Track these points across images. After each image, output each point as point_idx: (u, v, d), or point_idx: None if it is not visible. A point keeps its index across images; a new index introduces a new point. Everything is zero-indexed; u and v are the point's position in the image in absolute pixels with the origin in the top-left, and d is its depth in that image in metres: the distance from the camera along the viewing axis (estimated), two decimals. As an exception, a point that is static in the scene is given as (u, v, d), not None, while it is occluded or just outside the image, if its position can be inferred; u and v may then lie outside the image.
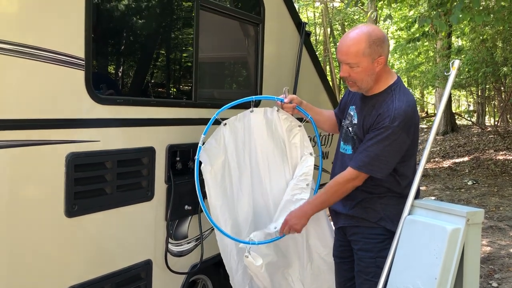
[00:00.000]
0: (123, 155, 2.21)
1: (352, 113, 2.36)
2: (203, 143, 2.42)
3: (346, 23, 21.05)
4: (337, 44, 2.22)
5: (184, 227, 2.60)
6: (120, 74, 2.39)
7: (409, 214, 2.11)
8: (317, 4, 20.68)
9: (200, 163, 2.41)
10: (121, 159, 2.20)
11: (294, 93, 3.62)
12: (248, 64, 3.34)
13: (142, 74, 2.52)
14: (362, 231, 2.31)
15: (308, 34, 3.80)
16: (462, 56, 12.64)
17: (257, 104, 2.69)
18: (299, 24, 3.63)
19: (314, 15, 22.80)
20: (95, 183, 2.12)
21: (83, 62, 1.98)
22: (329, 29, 21.39)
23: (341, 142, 2.41)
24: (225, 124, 2.51)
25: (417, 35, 7.96)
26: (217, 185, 2.48)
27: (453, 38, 15.92)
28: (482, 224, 2.03)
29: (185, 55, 2.70)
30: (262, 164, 2.58)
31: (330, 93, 4.24)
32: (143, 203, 2.35)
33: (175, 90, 2.67)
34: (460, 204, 3.92)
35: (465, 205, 6.74)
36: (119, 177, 2.20)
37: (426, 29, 7.40)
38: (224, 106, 2.47)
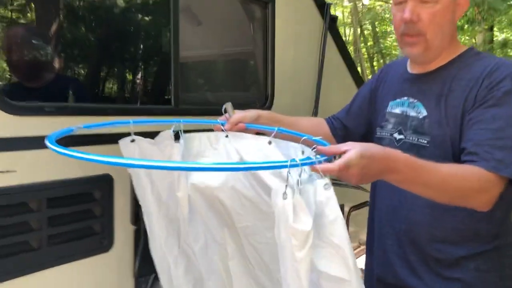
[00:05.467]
0: (57, 190, 1.50)
1: (398, 111, 1.50)
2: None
3: (376, 22, 20.35)
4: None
5: (165, 283, 1.87)
6: (52, 69, 1.69)
7: None
8: (346, 3, 19.99)
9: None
10: (54, 195, 1.50)
11: (318, 94, 2.88)
12: (253, 56, 2.60)
13: (89, 70, 1.81)
14: None
15: (333, 19, 3.03)
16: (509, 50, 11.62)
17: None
18: (322, 5, 2.87)
19: (343, 14, 22.08)
20: (14, 235, 1.42)
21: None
22: (359, 29, 20.64)
23: None
24: (178, 138, 1.47)
25: (461, 22, 7.12)
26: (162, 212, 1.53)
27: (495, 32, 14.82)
28: None
29: (158, 45, 1.97)
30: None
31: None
32: (96, 256, 1.63)
33: (145, 92, 1.94)
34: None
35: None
36: (52, 222, 1.49)
37: (472, 15, 6.53)
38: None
